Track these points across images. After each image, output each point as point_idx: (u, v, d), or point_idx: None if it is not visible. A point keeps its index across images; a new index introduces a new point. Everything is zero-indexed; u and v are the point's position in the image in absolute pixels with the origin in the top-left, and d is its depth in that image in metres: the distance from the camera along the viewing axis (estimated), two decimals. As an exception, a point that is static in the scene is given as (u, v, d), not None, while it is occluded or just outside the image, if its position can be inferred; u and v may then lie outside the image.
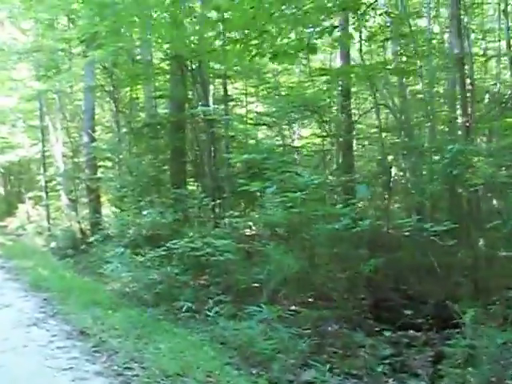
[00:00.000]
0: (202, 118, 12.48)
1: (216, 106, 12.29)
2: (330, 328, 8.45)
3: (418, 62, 11.56)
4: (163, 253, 8.76)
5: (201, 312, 8.00)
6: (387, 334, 8.03)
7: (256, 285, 8.84)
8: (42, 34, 19.37)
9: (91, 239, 14.05)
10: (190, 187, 14.76)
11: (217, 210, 11.57)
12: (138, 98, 17.80)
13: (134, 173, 13.00)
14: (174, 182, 13.99)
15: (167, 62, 15.38)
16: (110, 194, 15.06)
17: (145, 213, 10.75)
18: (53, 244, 18.87)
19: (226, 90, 12.14)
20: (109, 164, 19.88)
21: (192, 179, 15.38)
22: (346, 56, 15.75)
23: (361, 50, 12.16)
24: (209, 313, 7.63)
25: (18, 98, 24.98)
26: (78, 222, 18.79)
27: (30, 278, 11.81)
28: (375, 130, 17.32)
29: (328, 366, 6.68)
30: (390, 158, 12.57)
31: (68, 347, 6.84)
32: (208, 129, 12.58)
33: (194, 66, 12.94)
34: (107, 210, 19.19)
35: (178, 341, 6.88)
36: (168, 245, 8.84)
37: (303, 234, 8.61)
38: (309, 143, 16.83)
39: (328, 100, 13.35)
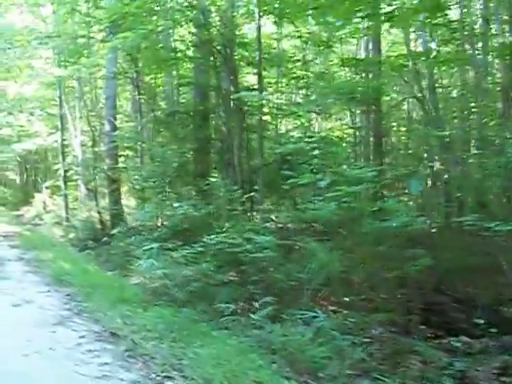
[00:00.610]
0: (234, 106, 11.88)
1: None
2: (373, 331, 7.85)
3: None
4: (200, 249, 8.12)
5: (241, 313, 7.36)
6: (440, 340, 7.42)
7: (292, 283, 8.24)
8: (63, 19, 18.79)
9: (114, 231, 13.44)
10: (213, 179, 14.16)
11: (248, 204, 10.94)
12: (160, 86, 17.20)
13: (160, 163, 12.32)
14: (198, 172, 13.43)
15: (192, 48, 14.83)
16: (134, 184, 14.38)
17: (176, 205, 10.11)
18: (71, 235, 18.36)
19: (260, 76, 11.43)
20: (129, 153, 19.41)
21: (215, 170, 14.79)
22: (375, 45, 15.25)
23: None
24: (253, 315, 6.98)
25: (37, 84, 24.63)
26: (98, 213, 18.23)
27: (51, 271, 11.25)
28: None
29: (379, 374, 6.08)
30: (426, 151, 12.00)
31: (98, 351, 6.25)
32: (240, 117, 12.00)
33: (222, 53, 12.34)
34: (126, 200, 18.74)
35: (218, 345, 6.26)
36: (205, 240, 8.19)
37: (348, 230, 7.98)
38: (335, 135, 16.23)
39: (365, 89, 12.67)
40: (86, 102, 21.68)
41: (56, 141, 25.12)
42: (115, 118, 18.38)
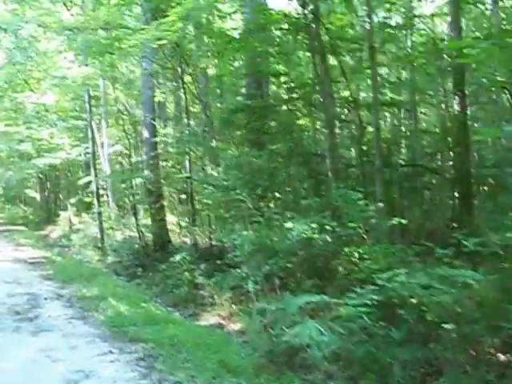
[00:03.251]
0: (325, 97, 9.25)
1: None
2: None
3: None
4: (374, 296, 5.20)
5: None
6: None
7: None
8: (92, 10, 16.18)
9: (177, 258, 10.67)
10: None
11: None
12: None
13: (238, 170, 9.49)
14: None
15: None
16: (207, 198, 11.42)
17: (288, 225, 7.19)
18: (110, 258, 15.66)
19: (373, 51, 8.46)
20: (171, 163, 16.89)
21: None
22: (456, 27, 12.93)
23: None
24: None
25: (59, 93, 22.26)
26: (139, 233, 15.57)
27: (105, 317, 8.35)
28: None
29: None
30: None
31: None
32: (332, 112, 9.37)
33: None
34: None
35: None
36: (381, 282, 5.27)
37: None
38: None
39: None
40: (125, 105, 19.07)
41: (80, 154, 22.64)
42: (154, 123, 15.93)
